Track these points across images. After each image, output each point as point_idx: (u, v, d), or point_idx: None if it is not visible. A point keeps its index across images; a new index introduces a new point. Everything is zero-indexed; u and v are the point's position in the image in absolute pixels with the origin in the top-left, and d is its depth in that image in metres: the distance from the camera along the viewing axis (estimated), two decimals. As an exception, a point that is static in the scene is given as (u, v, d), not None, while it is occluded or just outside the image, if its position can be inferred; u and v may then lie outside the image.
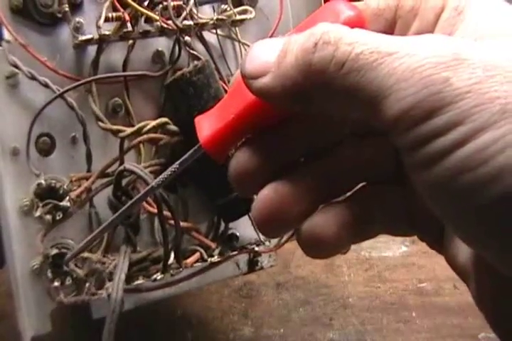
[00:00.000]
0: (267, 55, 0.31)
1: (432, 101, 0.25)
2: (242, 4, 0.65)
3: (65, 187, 0.58)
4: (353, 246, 0.76)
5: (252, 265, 0.70)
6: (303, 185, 0.33)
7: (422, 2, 0.32)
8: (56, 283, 0.58)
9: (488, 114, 0.24)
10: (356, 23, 0.30)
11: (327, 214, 0.33)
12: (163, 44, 0.63)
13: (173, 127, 0.59)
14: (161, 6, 0.59)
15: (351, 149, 0.35)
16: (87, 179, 0.59)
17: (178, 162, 0.37)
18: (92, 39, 0.57)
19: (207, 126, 0.35)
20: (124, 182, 0.59)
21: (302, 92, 0.29)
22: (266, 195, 0.33)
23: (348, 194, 0.35)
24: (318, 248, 0.33)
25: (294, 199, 0.33)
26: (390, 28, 0.33)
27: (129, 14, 0.58)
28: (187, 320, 0.90)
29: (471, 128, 0.24)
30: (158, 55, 0.63)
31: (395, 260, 1.06)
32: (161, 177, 0.38)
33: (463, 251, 0.31)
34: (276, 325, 0.90)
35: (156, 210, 0.58)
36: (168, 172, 0.38)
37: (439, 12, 0.31)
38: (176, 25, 0.59)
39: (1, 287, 0.80)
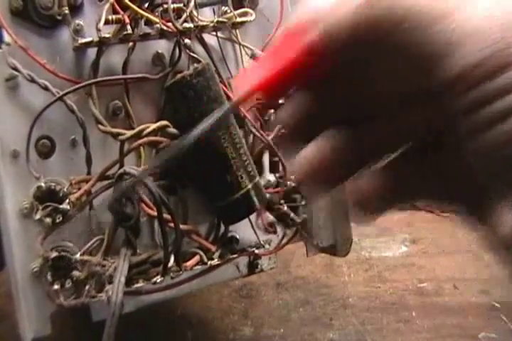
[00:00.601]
0: (324, 2, 0.29)
1: (502, 55, 0.24)
2: (242, 6, 0.64)
3: (64, 189, 0.58)
4: (353, 246, 0.77)
5: (252, 267, 0.70)
6: (345, 146, 0.32)
7: None
8: (56, 286, 0.58)
9: None
10: None
11: (369, 179, 0.32)
12: (163, 46, 0.63)
13: (173, 130, 0.59)
14: (161, 8, 0.59)
15: (393, 114, 0.33)
16: (86, 182, 0.59)
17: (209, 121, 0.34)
18: (92, 42, 0.57)
19: (251, 78, 0.32)
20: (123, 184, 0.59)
21: (353, 47, 0.28)
22: (310, 151, 0.32)
23: (389, 159, 0.34)
24: (365, 208, 0.32)
25: (336, 160, 0.31)
26: None
27: (128, 16, 0.58)
28: (187, 320, 0.90)
29: None
30: (158, 57, 0.63)
31: (395, 260, 1.07)
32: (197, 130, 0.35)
33: (507, 220, 0.30)
34: (276, 325, 0.90)
35: (155, 213, 0.58)
36: (199, 130, 0.35)
37: None
38: (176, 27, 0.59)
39: (1, 287, 0.80)
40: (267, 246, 0.68)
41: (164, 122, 0.59)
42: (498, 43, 0.24)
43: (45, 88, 0.57)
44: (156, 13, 0.59)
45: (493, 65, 0.24)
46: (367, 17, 0.26)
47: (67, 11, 0.57)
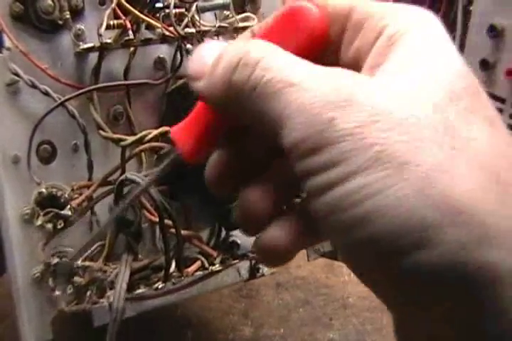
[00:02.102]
0: (208, 58, 0.31)
1: (316, 138, 0.26)
2: (244, 11, 0.64)
3: (66, 195, 0.58)
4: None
5: (254, 272, 0.70)
6: (265, 189, 0.34)
7: (367, 19, 0.30)
8: (57, 292, 0.58)
9: (362, 159, 0.25)
10: (320, 29, 0.31)
11: (281, 226, 0.33)
12: (164, 51, 0.63)
13: (174, 136, 0.59)
14: (162, 13, 0.58)
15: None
16: (88, 187, 0.59)
17: (158, 170, 0.39)
18: (93, 47, 0.57)
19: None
20: (125, 190, 0.59)
21: (228, 103, 0.31)
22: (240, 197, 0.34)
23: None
24: (274, 258, 0.34)
25: (258, 202, 0.33)
26: (342, 34, 0.32)
27: (130, 21, 0.57)
28: (187, 320, 0.91)
29: (344, 170, 0.25)
30: (159, 61, 0.63)
31: (395, 260, 1.06)
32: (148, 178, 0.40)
33: None
34: (276, 325, 0.90)
35: (157, 219, 0.58)
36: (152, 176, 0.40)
37: (378, 35, 0.30)
38: (178, 32, 0.58)
39: (1, 288, 0.80)
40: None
41: (166, 128, 0.59)
42: (314, 125, 0.26)
43: (46, 93, 0.57)
44: (158, 18, 0.59)
45: (310, 145, 0.26)
46: (230, 81, 0.29)
47: (68, 16, 0.57)
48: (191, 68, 0.32)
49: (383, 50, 0.29)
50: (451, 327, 0.26)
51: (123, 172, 0.59)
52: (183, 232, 0.60)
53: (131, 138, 0.58)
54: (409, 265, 0.25)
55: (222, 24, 0.62)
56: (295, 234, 0.32)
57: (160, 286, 0.59)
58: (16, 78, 0.56)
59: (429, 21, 0.29)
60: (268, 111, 0.28)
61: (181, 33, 0.59)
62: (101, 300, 0.58)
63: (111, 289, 0.58)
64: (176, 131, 0.35)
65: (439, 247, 0.24)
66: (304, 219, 0.32)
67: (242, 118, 0.30)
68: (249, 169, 0.35)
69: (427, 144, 0.25)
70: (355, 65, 0.30)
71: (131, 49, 0.60)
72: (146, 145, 0.58)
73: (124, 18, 0.57)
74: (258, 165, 0.35)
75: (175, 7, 0.59)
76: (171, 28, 0.59)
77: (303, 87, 0.27)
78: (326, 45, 0.32)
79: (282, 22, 0.31)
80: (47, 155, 0.59)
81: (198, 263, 0.62)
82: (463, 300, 0.25)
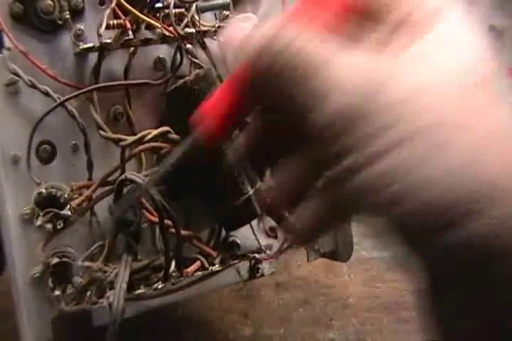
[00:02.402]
0: (242, 32, 0.32)
1: (360, 108, 0.27)
2: (244, 11, 0.64)
3: (65, 195, 0.58)
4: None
5: (253, 272, 0.69)
6: (292, 171, 0.34)
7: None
8: (57, 292, 0.58)
9: (407, 131, 0.26)
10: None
11: (309, 206, 0.33)
12: (164, 51, 0.63)
13: (174, 136, 0.59)
14: (162, 13, 0.58)
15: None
16: (87, 187, 0.59)
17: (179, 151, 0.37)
18: (93, 47, 0.57)
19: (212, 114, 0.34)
20: (124, 190, 0.59)
21: (253, 87, 0.31)
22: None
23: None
24: (302, 238, 0.35)
25: (287, 184, 0.34)
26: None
27: (130, 21, 0.57)
28: (187, 320, 0.91)
29: (390, 139, 0.26)
30: (159, 62, 0.62)
31: (395, 260, 1.06)
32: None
33: None
34: (276, 325, 0.90)
35: (157, 219, 0.58)
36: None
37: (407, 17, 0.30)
38: (178, 32, 0.59)
39: (1, 287, 0.80)
40: (267, 251, 0.68)
41: (165, 128, 0.59)
42: (360, 96, 0.27)
43: (46, 93, 0.57)
44: (158, 18, 0.59)
45: (358, 112, 0.27)
46: (257, 62, 0.30)
47: (68, 16, 0.57)
48: (225, 37, 0.33)
49: (411, 32, 0.29)
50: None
51: (123, 172, 0.59)
52: (182, 232, 0.60)
53: (131, 138, 0.58)
54: (463, 234, 0.25)
55: (222, 24, 0.62)
56: (323, 215, 0.33)
57: (160, 286, 0.59)
58: (16, 78, 0.56)
59: (457, 8, 0.30)
60: (305, 86, 0.28)
61: (181, 33, 0.59)
62: (101, 300, 0.58)
63: (111, 289, 0.58)
64: (205, 107, 0.34)
65: (489, 218, 0.25)
66: (333, 199, 0.32)
67: (274, 96, 0.30)
68: (275, 151, 0.35)
69: (463, 125, 0.26)
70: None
71: (131, 49, 0.60)
72: (146, 145, 0.58)
73: (123, 18, 0.57)
74: (284, 148, 0.35)
75: (175, 7, 0.59)
76: (171, 28, 0.59)
77: (340, 62, 0.28)
78: (354, 21, 0.31)
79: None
80: (46, 156, 0.59)
81: (197, 264, 0.62)
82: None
